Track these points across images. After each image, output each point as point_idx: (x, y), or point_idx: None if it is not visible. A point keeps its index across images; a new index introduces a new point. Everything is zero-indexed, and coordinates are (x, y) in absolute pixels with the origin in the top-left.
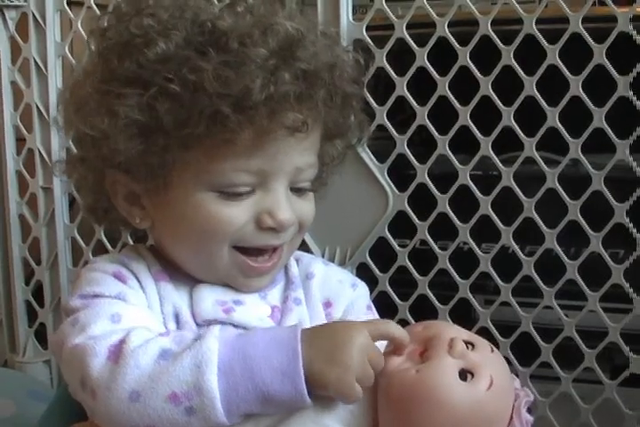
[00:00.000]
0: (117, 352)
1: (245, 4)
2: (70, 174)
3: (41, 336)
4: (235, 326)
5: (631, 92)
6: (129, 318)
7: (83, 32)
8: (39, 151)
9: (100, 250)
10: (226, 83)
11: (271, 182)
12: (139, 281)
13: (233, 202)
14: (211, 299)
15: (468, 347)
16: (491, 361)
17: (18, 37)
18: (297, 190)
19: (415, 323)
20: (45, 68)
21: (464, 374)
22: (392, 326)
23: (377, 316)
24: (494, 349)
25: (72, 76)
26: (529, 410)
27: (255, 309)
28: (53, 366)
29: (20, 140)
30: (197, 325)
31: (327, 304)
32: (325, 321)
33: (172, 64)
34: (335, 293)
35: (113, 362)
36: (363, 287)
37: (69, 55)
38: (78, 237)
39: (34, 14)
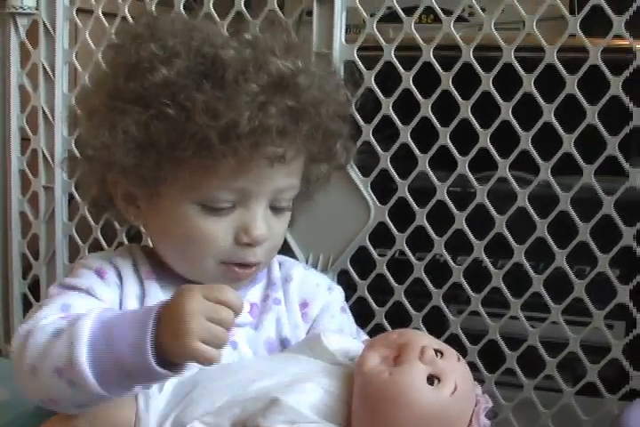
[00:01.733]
0: (28, 333)
1: (249, 35)
2: (75, 173)
3: None
4: None
5: (598, 121)
6: (77, 308)
7: (90, 41)
8: (43, 152)
9: (96, 248)
10: (215, 114)
11: (252, 201)
12: (120, 278)
13: (214, 217)
14: None
15: (437, 355)
16: (456, 369)
17: (28, 43)
18: (275, 209)
19: (391, 331)
20: (53, 73)
21: (431, 379)
22: (226, 291)
23: (351, 317)
24: (461, 358)
25: (88, 82)
26: (487, 415)
27: None
28: None
29: (25, 141)
30: None
31: (304, 305)
32: (301, 320)
33: (171, 90)
34: (312, 294)
35: (24, 341)
36: (338, 291)
37: (76, 62)
38: (76, 235)
39: (44, 22)
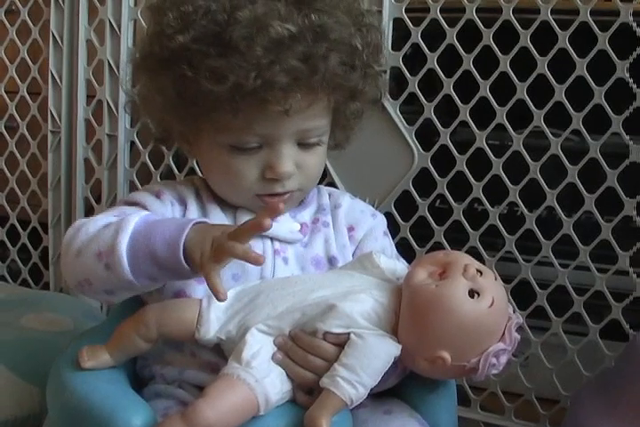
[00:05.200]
0: (81, 225)
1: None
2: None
3: None
4: (270, 238)
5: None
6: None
7: None
8: (107, 102)
9: None
10: (220, 79)
11: (275, 142)
12: (180, 201)
13: (243, 156)
14: (250, 218)
15: (477, 273)
16: (494, 286)
17: (96, 1)
18: (305, 145)
19: (438, 251)
20: (119, 28)
21: (472, 293)
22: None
23: (392, 242)
24: (498, 278)
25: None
26: (517, 330)
27: (286, 225)
28: None
29: (91, 92)
30: None
31: (350, 228)
32: (348, 241)
33: (187, 54)
34: (358, 219)
35: (76, 231)
36: (381, 217)
37: (141, 18)
38: (136, 180)
39: None
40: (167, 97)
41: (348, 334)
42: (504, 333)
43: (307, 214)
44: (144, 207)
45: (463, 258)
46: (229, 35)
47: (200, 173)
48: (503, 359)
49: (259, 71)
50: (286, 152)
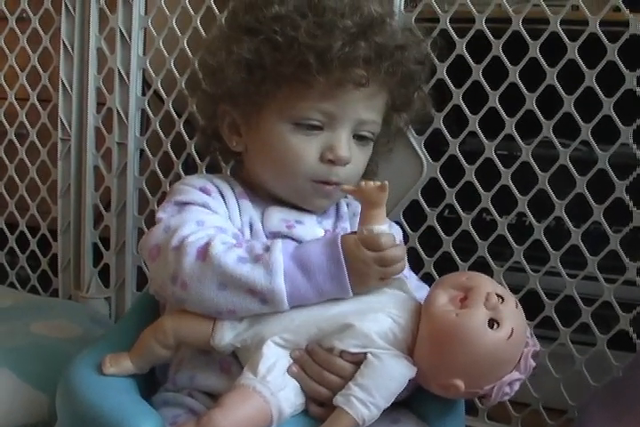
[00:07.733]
0: (204, 253)
1: None
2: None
3: (104, 276)
4: (293, 239)
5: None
6: (211, 222)
7: (164, 7)
8: (117, 110)
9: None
10: (314, 36)
11: (337, 125)
12: (221, 195)
13: (304, 136)
14: (278, 217)
15: (498, 299)
16: (514, 315)
17: (106, 9)
18: (358, 138)
19: (460, 272)
20: (129, 37)
21: (492, 323)
22: (379, 239)
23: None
24: (518, 304)
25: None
26: (533, 357)
27: (312, 229)
28: (113, 302)
29: (101, 100)
30: (266, 235)
31: None
32: None
33: (280, 22)
34: None
35: (201, 261)
36: (397, 227)
37: (151, 27)
38: (146, 189)
39: None
40: (242, 62)
41: (365, 353)
42: (519, 360)
43: (329, 223)
44: (206, 207)
45: (485, 284)
46: (323, 8)
47: None
48: (516, 387)
49: (344, 41)
50: (345, 138)
